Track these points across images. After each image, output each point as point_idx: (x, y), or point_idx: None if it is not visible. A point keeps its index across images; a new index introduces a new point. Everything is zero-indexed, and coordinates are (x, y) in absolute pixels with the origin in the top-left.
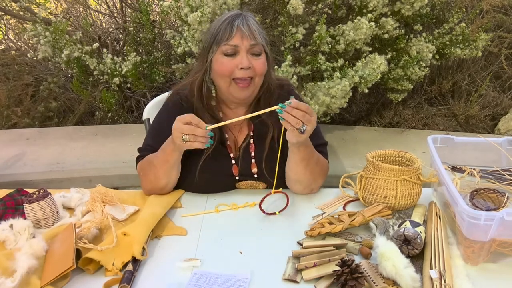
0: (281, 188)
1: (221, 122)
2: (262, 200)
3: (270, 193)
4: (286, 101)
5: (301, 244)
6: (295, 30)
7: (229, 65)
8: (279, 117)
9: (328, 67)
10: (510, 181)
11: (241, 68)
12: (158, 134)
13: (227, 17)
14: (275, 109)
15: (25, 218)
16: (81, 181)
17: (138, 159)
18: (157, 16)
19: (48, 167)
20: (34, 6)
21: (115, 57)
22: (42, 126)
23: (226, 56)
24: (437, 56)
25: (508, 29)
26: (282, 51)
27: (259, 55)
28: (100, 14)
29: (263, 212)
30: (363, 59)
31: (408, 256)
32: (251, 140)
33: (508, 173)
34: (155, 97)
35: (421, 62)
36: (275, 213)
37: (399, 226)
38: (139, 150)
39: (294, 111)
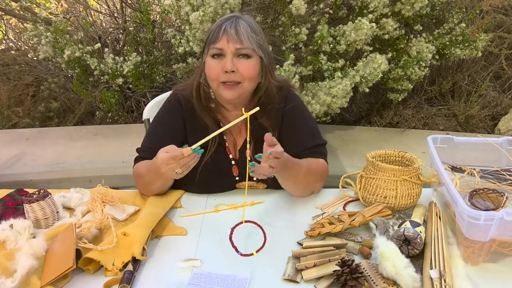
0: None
1: (206, 138)
2: (231, 232)
3: (241, 223)
4: (267, 153)
5: (301, 244)
6: (299, 31)
7: (216, 68)
8: (249, 165)
9: (329, 67)
10: (510, 181)
11: (225, 71)
12: (157, 135)
13: (220, 19)
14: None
15: (25, 218)
16: (81, 181)
17: (136, 160)
18: (157, 16)
19: (48, 167)
20: (35, 6)
21: (116, 57)
22: (42, 126)
23: (213, 59)
24: (437, 56)
25: (508, 29)
26: (283, 51)
27: (249, 57)
28: (100, 14)
29: (236, 251)
30: (364, 58)
31: (408, 256)
32: (248, 146)
33: (508, 173)
34: (155, 97)
35: (421, 62)
36: (252, 254)
37: (399, 226)
38: (138, 150)
39: (269, 161)
